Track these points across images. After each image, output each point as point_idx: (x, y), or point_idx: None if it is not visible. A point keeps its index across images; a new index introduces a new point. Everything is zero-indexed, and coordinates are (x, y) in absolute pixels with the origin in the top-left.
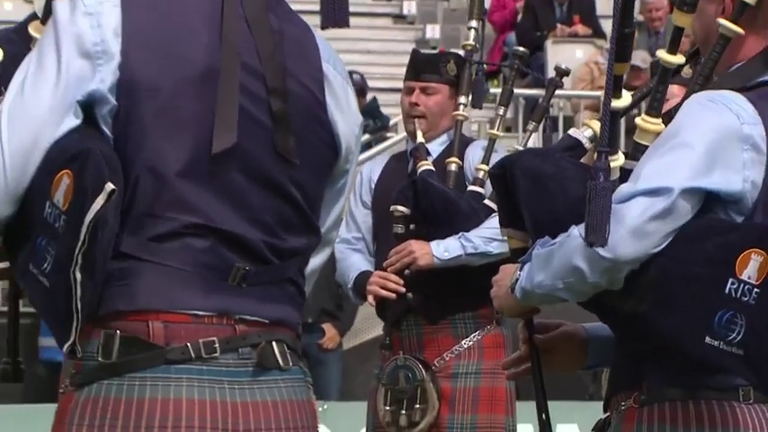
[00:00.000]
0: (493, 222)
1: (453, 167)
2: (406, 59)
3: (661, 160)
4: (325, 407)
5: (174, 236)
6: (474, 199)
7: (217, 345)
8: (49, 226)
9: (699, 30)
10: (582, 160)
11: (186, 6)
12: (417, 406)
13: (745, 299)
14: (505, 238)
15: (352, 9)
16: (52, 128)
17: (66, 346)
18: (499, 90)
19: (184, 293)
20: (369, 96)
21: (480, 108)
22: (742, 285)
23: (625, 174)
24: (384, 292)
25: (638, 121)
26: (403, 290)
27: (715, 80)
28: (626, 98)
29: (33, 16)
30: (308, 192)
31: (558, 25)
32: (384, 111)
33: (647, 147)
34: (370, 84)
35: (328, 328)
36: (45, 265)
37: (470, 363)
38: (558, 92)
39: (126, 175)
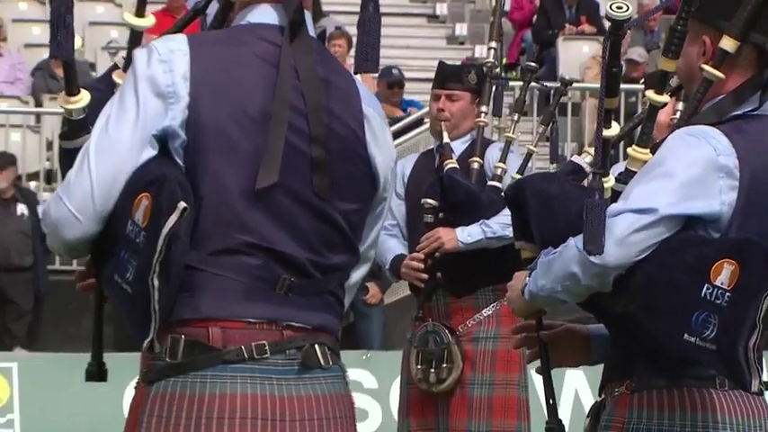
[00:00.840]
0: (508, 212)
1: (476, 166)
2: (438, 53)
3: (647, 186)
4: (368, 355)
5: (231, 252)
6: (493, 192)
7: (267, 347)
8: (131, 241)
9: (683, 69)
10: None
11: (244, 57)
12: (444, 365)
13: (719, 302)
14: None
15: (392, 10)
16: (133, 158)
17: (145, 343)
18: (519, 83)
19: (239, 304)
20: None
21: (500, 116)
22: (716, 290)
23: (615, 194)
24: (416, 281)
25: (629, 150)
26: (426, 276)
27: (697, 114)
28: (615, 128)
29: (115, 66)
30: (350, 218)
31: (567, 25)
32: (419, 98)
33: (635, 173)
34: (407, 75)
35: (371, 285)
36: (128, 274)
37: (489, 329)
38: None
39: (194, 199)
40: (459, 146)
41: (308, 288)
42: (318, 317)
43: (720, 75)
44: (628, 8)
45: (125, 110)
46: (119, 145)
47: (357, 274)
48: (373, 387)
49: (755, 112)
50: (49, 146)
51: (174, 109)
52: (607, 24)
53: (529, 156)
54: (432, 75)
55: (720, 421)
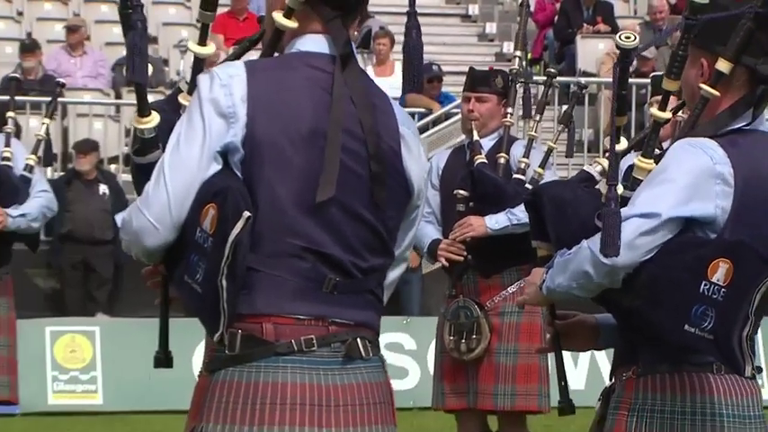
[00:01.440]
0: None
1: (502, 161)
2: (471, 49)
3: (652, 191)
4: (408, 320)
5: (283, 254)
6: (517, 184)
7: (314, 341)
8: (200, 246)
9: (685, 88)
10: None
11: (295, 80)
12: (474, 336)
13: (715, 296)
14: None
15: (430, 10)
16: (202, 172)
17: (216, 336)
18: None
19: (290, 302)
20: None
21: (529, 117)
22: (712, 286)
23: (624, 200)
24: (453, 257)
25: (635, 161)
26: (464, 255)
27: (696, 128)
28: (623, 143)
29: (179, 89)
30: (387, 224)
31: (585, 24)
32: (452, 90)
33: (641, 181)
34: (444, 68)
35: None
36: (197, 276)
37: (514, 304)
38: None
39: (252, 207)
40: (487, 143)
41: (351, 287)
42: (360, 314)
43: (716, 93)
44: (635, 38)
45: (193, 129)
46: (189, 161)
47: (393, 274)
48: (412, 348)
49: (748, 127)
50: (127, 133)
51: (235, 127)
52: (622, 23)
53: (549, 151)
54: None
55: (717, 402)
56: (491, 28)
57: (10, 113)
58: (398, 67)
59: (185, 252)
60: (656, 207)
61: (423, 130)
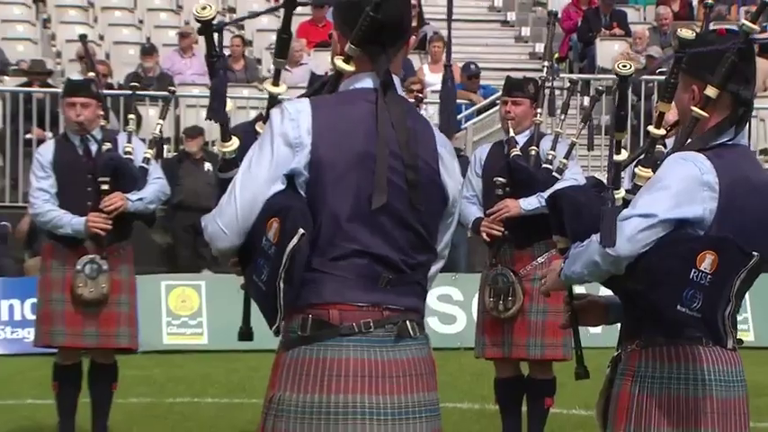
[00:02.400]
0: (557, 186)
1: (533, 153)
2: (509, 49)
3: (650, 196)
4: (456, 276)
5: (344, 257)
6: (546, 172)
7: (371, 324)
8: (265, 252)
9: (678, 109)
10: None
11: (351, 113)
12: (510, 298)
13: (703, 282)
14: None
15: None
16: (266, 190)
17: (273, 328)
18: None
19: (351, 292)
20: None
21: (555, 116)
22: (700, 274)
23: (626, 202)
24: (493, 232)
25: (636, 170)
26: (501, 231)
27: (687, 143)
28: (624, 154)
29: (259, 117)
30: (429, 227)
31: (603, 29)
32: (493, 83)
33: (640, 186)
34: (485, 65)
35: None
36: (262, 276)
37: (543, 272)
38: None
39: (315, 220)
40: (521, 139)
41: (401, 280)
42: (409, 301)
43: (705, 114)
44: (631, 67)
45: (263, 155)
46: (257, 181)
47: (435, 268)
48: (460, 299)
49: (731, 142)
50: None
51: (299, 155)
52: (634, 28)
53: (572, 145)
54: (503, 65)
55: (706, 369)
56: (526, 31)
57: (131, 115)
58: None
59: (254, 255)
60: (654, 209)
61: (469, 117)
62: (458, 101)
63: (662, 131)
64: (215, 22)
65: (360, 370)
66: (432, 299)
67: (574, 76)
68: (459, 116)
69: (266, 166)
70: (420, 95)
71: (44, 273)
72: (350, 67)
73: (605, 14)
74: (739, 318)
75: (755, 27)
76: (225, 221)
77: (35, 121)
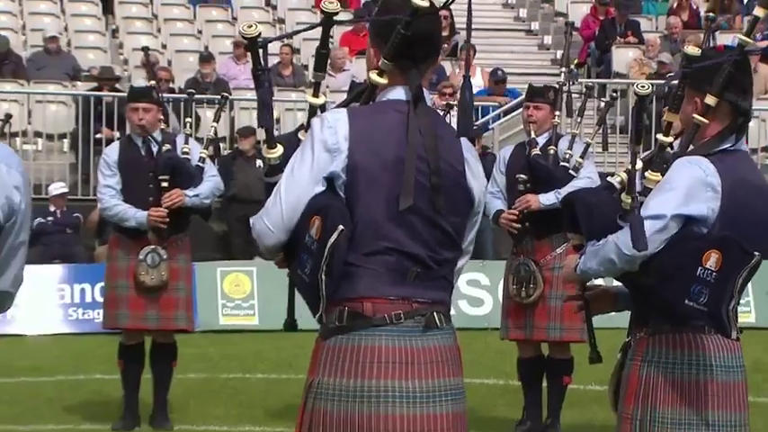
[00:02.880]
0: (573, 183)
1: (552, 152)
2: (532, 56)
3: (660, 197)
4: (483, 263)
5: (377, 253)
6: (564, 170)
7: (402, 315)
8: (308, 248)
9: (683, 119)
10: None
11: (384, 122)
12: (531, 285)
13: (709, 278)
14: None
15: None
16: (309, 192)
17: (316, 316)
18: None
19: (383, 286)
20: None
21: (572, 117)
22: (706, 271)
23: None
24: (512, 224)
25: (647, 174)
26: (522, 224)
27: (691, 148)
28: (638, 164)
29: (301, 126)
30: (455, 226)
31: (618, 37)
32: (518, 87)
33: (651, 189)
34: (511, 70)
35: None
36: (306, 269)
37: (561, 261)
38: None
39: (351, 219)
40: (541, 140)
41: (429, 275)
42: (436, 294)
43: (705, 121)
44: (650, 87)
45: (305, 160)
46: (300, 182)
47: (461, 263)
48: (487, 284)
49: (732, 148)
50: (277, 121)
51: (338, 159)
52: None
53: (588, 146)
54: (527, 70)
55: (708, 356)
56: (548, 39)
57: (188, 119)
58: (479, 70)
59: (298, 251)
60: (663, 209)
61: (496, 118)
62: (485, 103)
63: (670, 139)
64: (260, 39)
65: (392, 357)
66: (461, 283)
67: (590, 81)
68: (486, 117)
69: (308, 170)
70: (452, 103)
71: (110, 262)
72: (383, 81)
73: (620, 24)
74: (741, 301)
75: (749, 40)
76: (271, 220)
77: (104, 123)
